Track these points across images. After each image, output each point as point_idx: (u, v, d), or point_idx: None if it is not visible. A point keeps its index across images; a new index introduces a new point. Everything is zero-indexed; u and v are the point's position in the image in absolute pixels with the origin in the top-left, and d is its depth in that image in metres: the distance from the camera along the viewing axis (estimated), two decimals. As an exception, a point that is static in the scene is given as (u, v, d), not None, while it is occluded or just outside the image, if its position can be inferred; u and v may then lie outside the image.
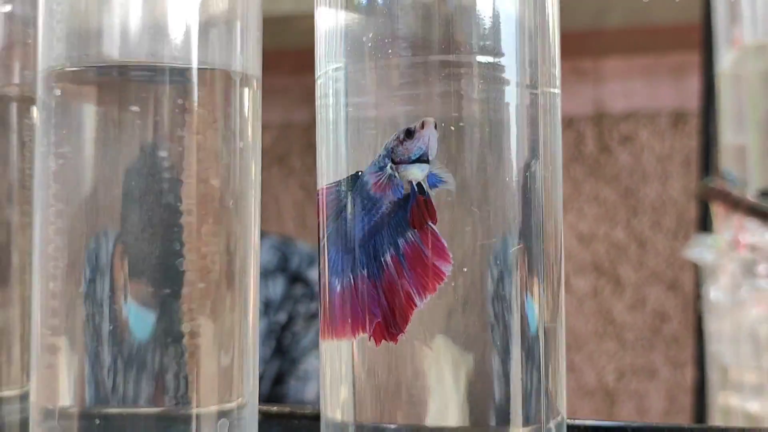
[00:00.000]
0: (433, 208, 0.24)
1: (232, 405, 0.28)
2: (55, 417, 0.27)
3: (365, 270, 0.25)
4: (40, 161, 0.27)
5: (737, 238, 0.96)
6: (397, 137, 0.24)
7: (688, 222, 1.74)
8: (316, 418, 0.29)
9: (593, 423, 0.29)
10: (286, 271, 1.38)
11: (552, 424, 0.26)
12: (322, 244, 0.27)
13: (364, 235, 0.25)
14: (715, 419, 1.05)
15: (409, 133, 0.24)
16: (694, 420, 1.23)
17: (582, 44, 1.83)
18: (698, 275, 1.23)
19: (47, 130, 0.27)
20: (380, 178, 0.24)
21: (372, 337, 0.24)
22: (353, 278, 0.25)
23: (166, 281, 0.26)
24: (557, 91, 0.26)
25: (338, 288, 0.26)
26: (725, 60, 1.04)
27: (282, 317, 1.35)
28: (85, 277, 0.27)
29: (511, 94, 0.24)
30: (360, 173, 0.25)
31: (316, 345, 1.46)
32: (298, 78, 1.85)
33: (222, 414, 0.27)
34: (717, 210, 1.08)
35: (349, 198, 0.25)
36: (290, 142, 1.94)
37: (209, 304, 0.27)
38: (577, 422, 0.28)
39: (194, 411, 0.27)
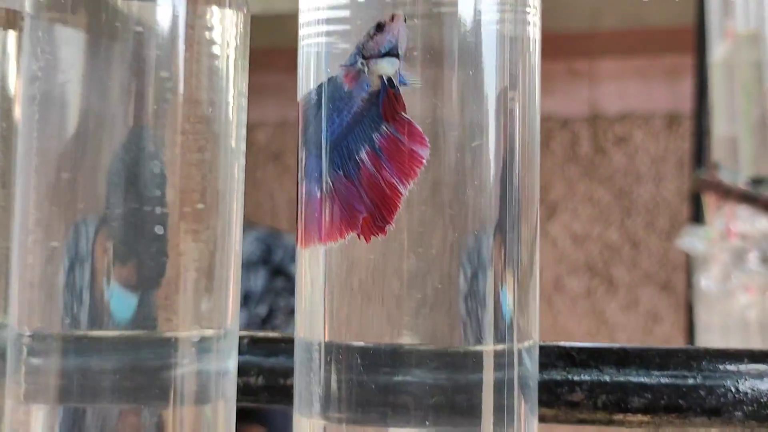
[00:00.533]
0: (402, 101, 0.24)
1: (212, 332, 0.28)
2: (33, 339, 0.27)
3: (341, 171, 0.25)
4: (24, 70, 0.27)
5: (728, 226, 0.97)
6: (368, 33, 0.24)
7: (681, 223, 1.74)
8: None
9: (566, 344, 0.29)
10: (269, 263, 1.38)
11: (523, 346, 0.26)
12: (300, 157, 0.27)
13: (337, 136, 0.25)
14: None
15: (379, 27, 0.24)
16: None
17: (577, 45, 1.83)
18: (690, 275, 1.23)
19: (34, 45, 0.27)
20: (350, 75, 0.24)
21: (361, 235, 0.24)
22: (332, 180, 0.25)
23: (148, 199, 0.26)
24: (535, 13, 0.26)
25: (317, 194, 0.26)
26: (718, 51, 1.04)
27: (262, 310, 1.35)
28: (69, 197, 0.27)
29: (488, 13, 0.25)
30: (332, 77, 0.25)
31: None
32: (293, 76, 1.85)
33: (202, 339, 0.27)
34: (709, 201, 1.08)
35: (323, 102, 0.25)
36: (285, 139, 1.94)
37: (191, 226, 0.27)
38: (553, 344, 0.29)
39: (173, 335, 0.27)
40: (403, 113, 0.24)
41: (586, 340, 1.79)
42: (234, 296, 0.28)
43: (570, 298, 1.85)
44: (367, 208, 0.24)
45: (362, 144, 0.24)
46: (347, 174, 0.25)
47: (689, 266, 1.32)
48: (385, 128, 0.24)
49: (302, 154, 0.26)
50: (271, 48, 1.69)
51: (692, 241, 1.03)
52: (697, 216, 1.18)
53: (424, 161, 0.23)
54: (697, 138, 1.21)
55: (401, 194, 0.24)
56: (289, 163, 1.96)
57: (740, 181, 0.94)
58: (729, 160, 1.01)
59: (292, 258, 1.37)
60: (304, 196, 0.26)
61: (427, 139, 0.23)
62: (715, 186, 1.00)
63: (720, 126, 1.04)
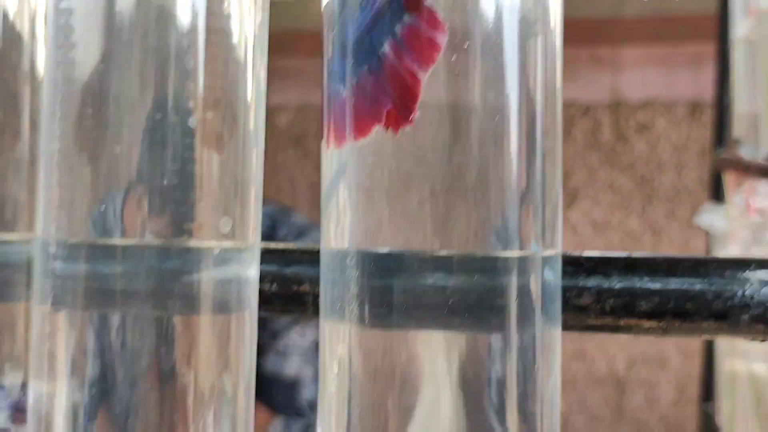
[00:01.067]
0: (425, -9, 0.24)
1: (234, 244, 0.29)
2: (59, 246, 0.28)
3: (365, 66, 0.25)
4: None
5: (748, 202, 0.97)
6: None
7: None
8: (316, 253, 0.30)
9: (597, 254, 0.29)
10: (272, 240, 1.39)
11: (548, 252, 0.26)
12: (326, 60, 0.27)
13: (361, 32, 0.25)
14: (723, 385, 1.05)
15: None
16: (703, 394, 1.23)
17: (600, 32, 1.83)
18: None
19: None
20: None
21: (388, 127, 0.25)
22: (356, 77, 0.26)
23: (173, 101, 0.27)
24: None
25: (343, 92, 0.26)
26: (740, 28, 1.04)
27: None
28: (95, 106, 0.27)
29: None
30: (355, -24, 0.25)
31: (297, 321, 1.45)
32: (315, 60, 1.86)
33: (226, 250, 0.28)
34: (729, 180, 1.08)
35: (347, 2, 0.26)
36: (307, 124, 1.95)
37: (215, 132, 0.28)
38: (576, 254, 0.29)
39: (196, 244, 0.28)
40: (425, 2, 0.24)
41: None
42: (255, 213, 0.29)
43: (589, 285, 1.85)
44: (391, 99, 0.25)
45: (385, 37, 0.25)
46: (371, 68, 0.25)
47: (709, 252, 1.32)
48: (406, 18, 0.24)
49: (327, 57, 0.27)
50: (294, 32, 1.70)
51: (711, 218, 1.03)
52: (717, 196, 1.17)
53: (442, 48, 0.24)
54: (719, 120, 1.21)
55: (420, 81, 0.24)
56: (310, 147, 1.96)
57: (761, 156, 0.94)
58: (750, 137, 1.01)
59: (296, 236, 1.38)
60: (329, 96, 0.27)
61: (446, 26, 0.24)
62: (735, 163, 1.00)
63: (741, 103, 1.03)
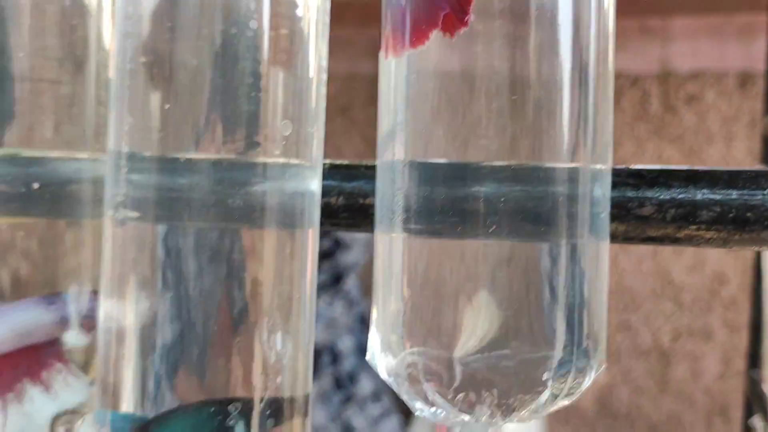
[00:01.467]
0: None
1: (298, 161, 0.29)
2: (129, 161, 0.28)
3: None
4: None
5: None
6: None
7: (751, 183, 1.72)
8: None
9: (659, 167, 0.30)
10: None
11: (598, 166, 0.27)
12: None
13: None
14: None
15: None
16: (749, 364, 1.23)
17: (649, 3, 1.81)
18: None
19: None
20: None
21: (445, 31, 0.26)
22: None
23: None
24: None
25: (402, 2, 0.27)
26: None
27: None
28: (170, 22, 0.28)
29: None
30: None
31: (323, 288, 1.45)
32: (363, 29, 1.86)
33: (290, 166, 0.29)
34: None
35: None
36: (354, 93, 1.95)
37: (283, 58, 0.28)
38: (624, 166, 0.29)
39: (264, 160, 0.28)
40: None
41: (651, 301, 1.78)
42: (318, 130, 0.30)
43: (635, 257, 1.84)
44: (448, 2, 0.25)
45: None
46: None
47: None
48: None
49: None
50: (340, 2, 1.70)
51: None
52: (767, 162, 1.16)
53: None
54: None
55: None
56: (357, 118, 1.97)
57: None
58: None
59: None
60: (388, 7, 0.27)
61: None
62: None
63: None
